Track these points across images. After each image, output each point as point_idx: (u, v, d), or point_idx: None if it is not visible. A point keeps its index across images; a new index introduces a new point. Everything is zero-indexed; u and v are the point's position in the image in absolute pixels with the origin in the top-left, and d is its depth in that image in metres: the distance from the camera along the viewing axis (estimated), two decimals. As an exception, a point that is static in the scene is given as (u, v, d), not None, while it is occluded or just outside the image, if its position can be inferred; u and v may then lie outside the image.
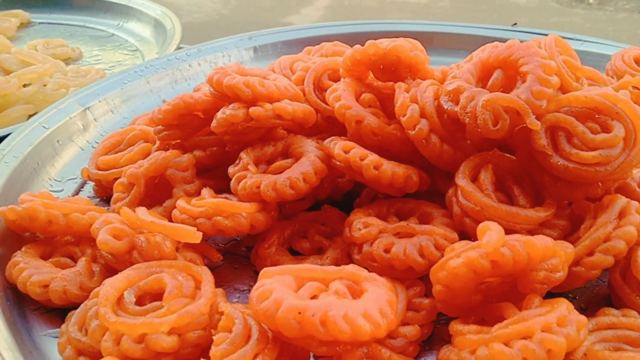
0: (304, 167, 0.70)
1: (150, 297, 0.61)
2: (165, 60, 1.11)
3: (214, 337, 0.54)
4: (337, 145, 0.70)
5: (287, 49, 1.18)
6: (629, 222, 0.60)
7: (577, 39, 1.12)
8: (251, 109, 0.73)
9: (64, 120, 0.95)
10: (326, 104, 0.81)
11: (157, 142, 0.86)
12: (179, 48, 1.27)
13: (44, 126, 0.92)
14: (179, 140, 0.85)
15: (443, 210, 0.69)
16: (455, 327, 0.57)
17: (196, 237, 0.64)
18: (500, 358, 0.50)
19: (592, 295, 0.67)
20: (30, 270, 0.66)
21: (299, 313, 0.50)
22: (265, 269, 0.56)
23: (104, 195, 0.86)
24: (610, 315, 0.58)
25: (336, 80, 0.84)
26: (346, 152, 0.69)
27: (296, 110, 0.75)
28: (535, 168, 0.66)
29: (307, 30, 1.21)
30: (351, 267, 0.58)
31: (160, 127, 0.83)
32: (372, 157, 0.68)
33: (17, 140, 0.87)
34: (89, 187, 0.89)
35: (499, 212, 0.63)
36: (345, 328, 0.49)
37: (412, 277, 0.64)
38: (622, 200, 0.63)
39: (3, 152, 0.85)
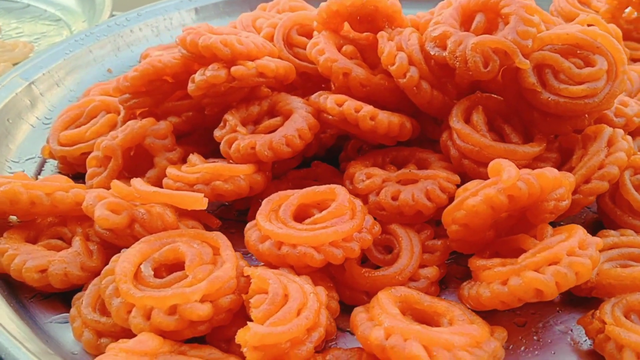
0: (297, 123, 0.69)
1: (166, 268, 0.59)
2: (105, 27, 1.04)
3: (251, 300, 0.53)
4: (328, 99, 0.69)
5: (229, 7, 1.15)
6: (619, 149, 0.64)
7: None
8: (233, 69, 0.71)
9: (10, 97, 0.88)
10: (299, 59, 0.80)
11: (122, 112, 0.82)
12: (112, 16, 1.19)
13: (-10, 105, 0.85)
14: (146, 109, 0.81)
15: (437, 154, 0.71)
16: (477, 262, 0.59)
17: (203, 203, 0.62)
18: (535, 284, 0.52)
19: (582, 221, 0.71)
20: (23, 256, 0.62)
21: None
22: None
23: (70, 172, 0.81)
24: (611, 236, 0.63)
25: (305, 35, 0.83)
26: (339, 105, 0.68)
27: (278, 67, 0.73)
28: (524, 106, 0.69)
29: (250, -13, 1.17)
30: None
31: (127, 95, 0.79)
32: (367, 108, 0.68)
33: (-35, 123, 0.80)
34: (50, 165, 0.84)
35: (497, 151, 0.65)
36: None
37: (420, 221, 0.66)
38: (608, 130, 0.67)
39: (-48, 138, 0.78)
